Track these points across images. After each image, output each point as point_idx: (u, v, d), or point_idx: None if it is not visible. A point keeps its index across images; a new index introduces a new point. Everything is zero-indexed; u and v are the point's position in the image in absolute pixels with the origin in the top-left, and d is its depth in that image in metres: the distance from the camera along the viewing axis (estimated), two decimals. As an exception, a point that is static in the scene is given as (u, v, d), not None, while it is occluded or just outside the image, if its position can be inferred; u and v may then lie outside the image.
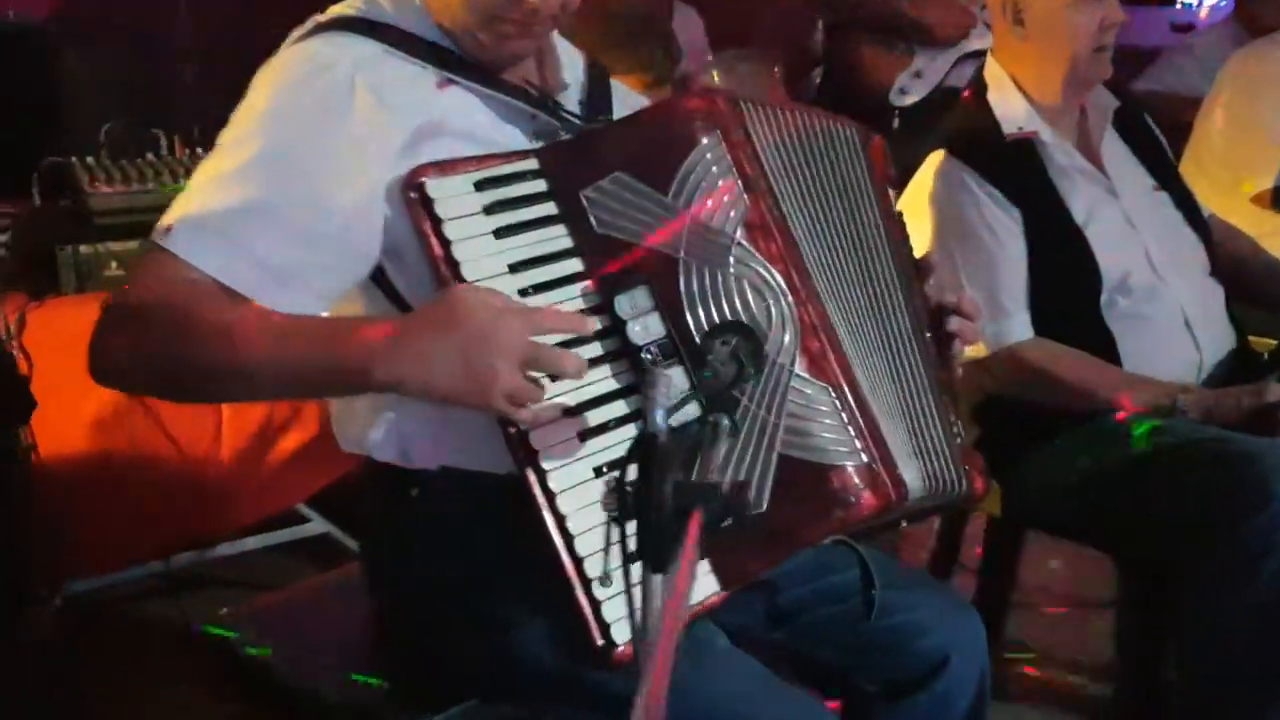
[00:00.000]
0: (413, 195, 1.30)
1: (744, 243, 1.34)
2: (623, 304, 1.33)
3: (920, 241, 1.88)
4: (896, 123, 3.34)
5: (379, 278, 1.37)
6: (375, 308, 1.38)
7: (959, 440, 1.55)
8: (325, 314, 1.37)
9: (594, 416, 1.32)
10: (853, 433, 1.33)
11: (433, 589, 1.39)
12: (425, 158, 1.31)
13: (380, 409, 1.40)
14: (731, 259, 1.33)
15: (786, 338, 1.32)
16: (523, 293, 1.32)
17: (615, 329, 1.33)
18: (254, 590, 2.71)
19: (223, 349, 1.22)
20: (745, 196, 1.35)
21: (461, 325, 1.20)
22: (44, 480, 2.50)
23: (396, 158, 1.32)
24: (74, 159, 2.77)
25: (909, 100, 3.38)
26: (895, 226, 1.60)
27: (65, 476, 2.56)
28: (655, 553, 0.86)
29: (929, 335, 1.57)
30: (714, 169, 1.34)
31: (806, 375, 1.33)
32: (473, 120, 1.39)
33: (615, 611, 1.28)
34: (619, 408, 1.34)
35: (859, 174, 1.56)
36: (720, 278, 1.33)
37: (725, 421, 1.11)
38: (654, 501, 0.88)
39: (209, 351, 1.23)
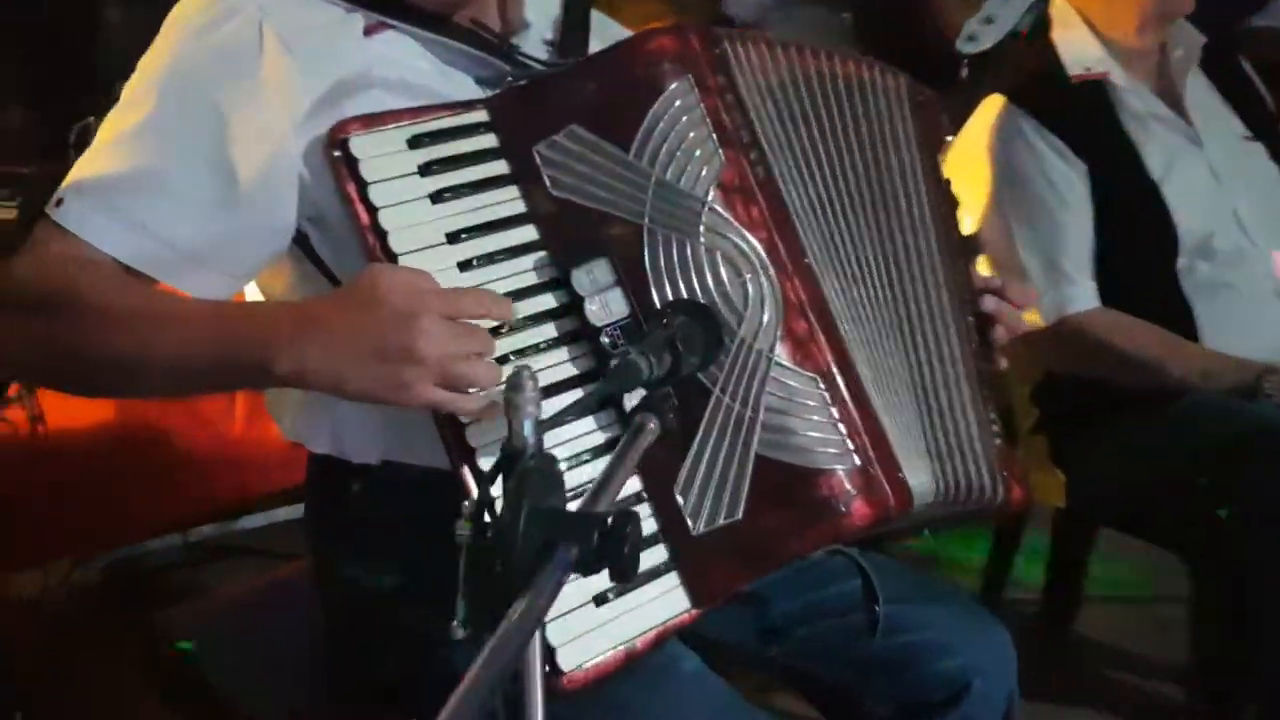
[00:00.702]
0: (336, 154, 1.13)
1: (717, 207, 1.14)
2: (580, 279, 1.15)
3: (970, 200, 1.67)
4: (965, 73, 3.07)
5: (304, 245, 1.21)
6: (305, 282, 1.22)
7: (996, 440, 1.34)
8: (243, 292, 1.21)
9: (548, 408, 1.15)
10: (844, 430, 1.13)
11: (367, 597, 1.24)
12: (349, 114, 1.14)
13: (309, 393, 1.24)
14: (702, 226, 1.14)
15: (765, 317, 1.13)
16: (464, 265, 1.14)
17: (574, 307, 1.15)
18: (278, 560, 2.61)
19: (102, 337, 1.08)
20: (721, 153, 1.15)
21: (374, 309, 1.03)
22: (55, 452, 2.42)
23: (307, 117, 1.15)
24: (90, 119, 2.66)
25: (979, 48, 3.10)
26: (943, 196, 1.39)
27: (80, 448, 2.48)
28: (499, 597, 0.68)
29: (972, 320, 1.36)
30: (683, 120, 1.15)
31: (789, 363, 1.13)
32: (409, 69, 1.21)
33: (563, 634, 1.11)
34: (576, 397, 1.16)
35: (897, 133, 1.34)
36: (690, 248, 1.14)
37: (652, 424, 0.92)
38: (504, 539, 0.70)
39: (91, 340, 1.08)
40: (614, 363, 0.93)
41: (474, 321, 1.07)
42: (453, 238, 1.15)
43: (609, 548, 0.73)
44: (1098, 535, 2.20)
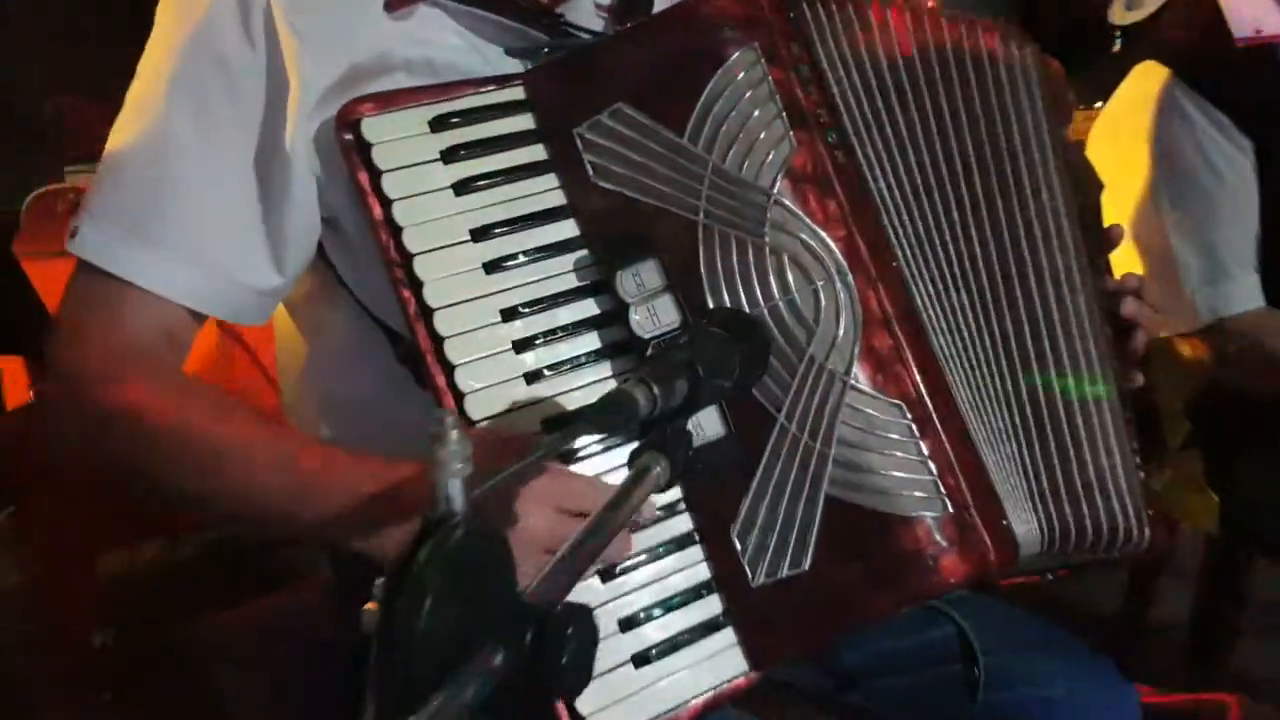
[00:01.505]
0: (346, 137, 0.98)
1: (785, 201, 0.96)
2: (625, 283, 0.98)
3: (1113, 182, 1.44)
4: (1118, 45, 2.77)
5: (319, 251, 1.07)
6: (324, 290, 1.09)
7: (1140, 474, 1.12)
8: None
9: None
10: (934, 469, 0.94)
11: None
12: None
13: (333, 422, 1.12)
14: (767, 223, 0.96)
15: (841, 331, 0.95)
16: (491, 266, 0.99)
17: (619, 315, 0.99)
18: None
19: (162, 471, 0.97)
20: (791, 136, 0.97)
21: None
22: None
23: (318, 108, 1.01)
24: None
25: (1135, 17, 2.79)
26: (1079, 183, 1.18)
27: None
28: (405, 704, 0.51)
29: (1109, 330, 1.14)
30: (747, 96, 0.97)
31: (868, 388, 0.94)
32: (437, 47, 1.05)
33: (595, 700, 0.95)
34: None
35: (1021, 110, 1.13)
36: (751, 249, 0.96)
37: (658, 469, 0.74)
38: (407, 634, 0.54)
39: (151, 470, 0.98)
40: (599, 399, 0.76)
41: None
42: (479, 234, 0.99)
43: (545, 652, 0.56)
44: (1254, 565, 1.94)
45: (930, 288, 1.00)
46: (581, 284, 1.01)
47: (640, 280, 0.98)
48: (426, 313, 0.96)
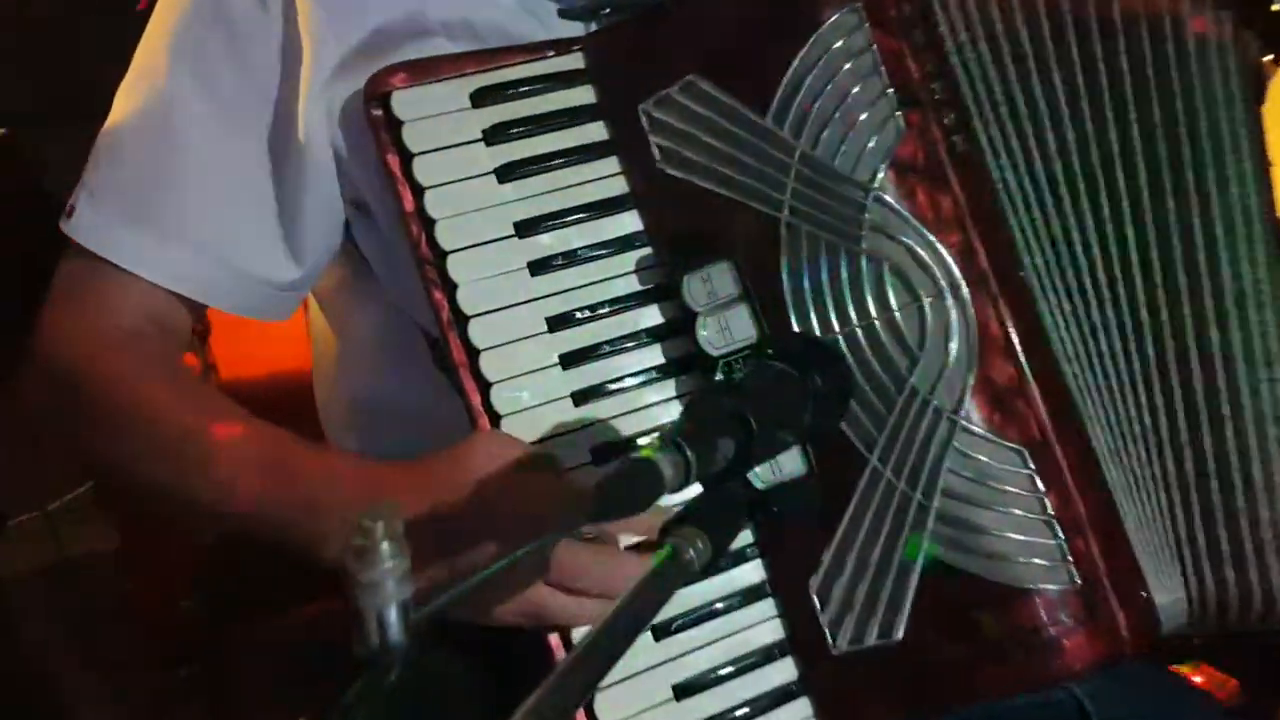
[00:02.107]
0: (375, 113, 0.84)
1: (888, 197, 0.79)
2: (693, 289, 0.83)
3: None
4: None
5: (347, 231, 0.94)
6: (356, 280, 0.96)
7: None
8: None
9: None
10: (1060, 531, 0.77)
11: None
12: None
13: (349, 430, 0.99)
14: (865, 224, 0.79)
15: (951, 359, 0.78)
16: (538, 266, 0.84)
17: (686, 326, 0.84)
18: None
19: (135, 461, 0.85)
20: (899, 117, 0.80)
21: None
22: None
23: (336, 76, 0.87)
24: None
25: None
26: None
27: (255, 398, 2.36)
28: None
29: None
30: (846, 68, 0.80)
31: (982, 429, 0.77)
32: (482, 5, 0.91)
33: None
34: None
35: (1212, 86, 0.91)
36: (844, 255, 0.79)
37: (692, 552, 0.58)
38: None
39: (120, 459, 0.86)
40: (611, 468, 0.60)
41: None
42: (524, 228, 0.85)
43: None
44: None
45: (1065, 304, 0.83)
46: (643, 288, 0.86)
47: (711, 286, 0.83)
48: (461, 320, 0.83)
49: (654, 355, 0.85)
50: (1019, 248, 0.81)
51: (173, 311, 0.88)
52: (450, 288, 0.83)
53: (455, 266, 0.83)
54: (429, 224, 0.83)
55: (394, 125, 0.84)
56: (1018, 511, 0.77)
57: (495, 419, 0.82)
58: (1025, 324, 0.79)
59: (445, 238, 0.83)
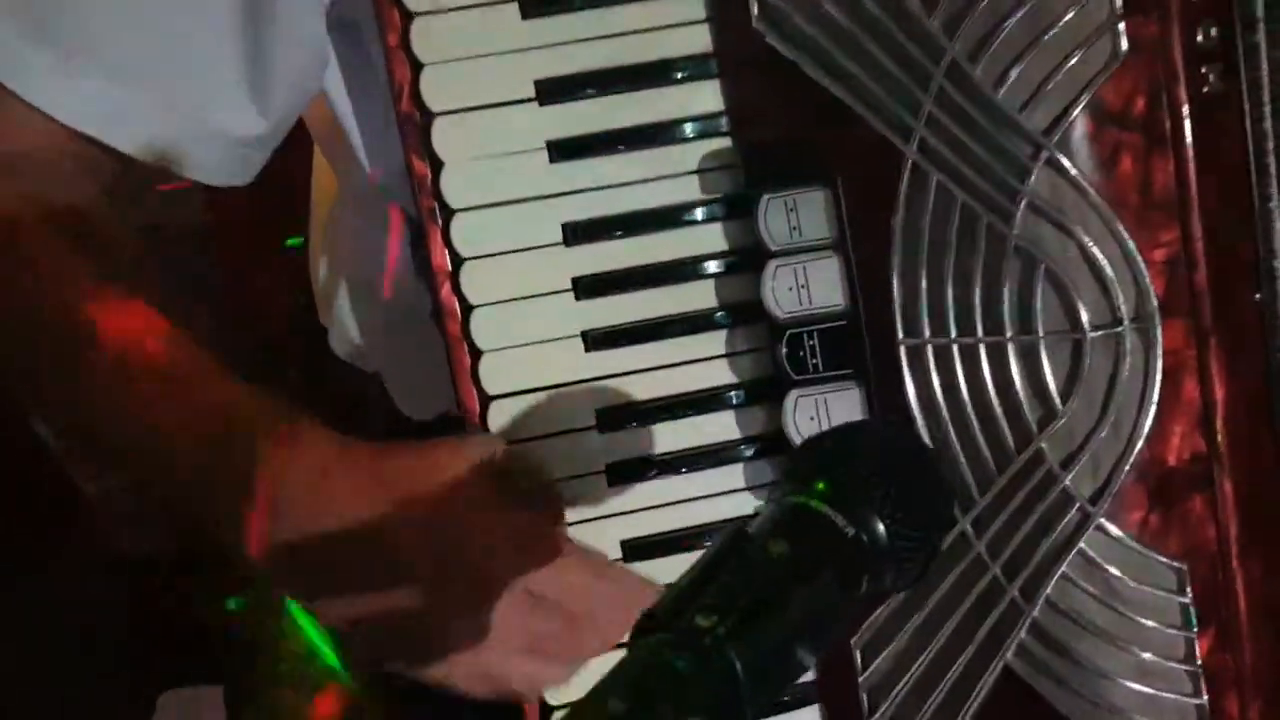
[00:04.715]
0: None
1: (1070, 160, 0.51)
2: (772, 216, 0.58)
3: None
4: None
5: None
6: None
7: None
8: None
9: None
10: (1204, 690, 0.54)
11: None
12: None
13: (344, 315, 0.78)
14: (1025, 195, 0.51)
15: (1112, 415, 0.52)
16: (560, 151, 0.60)
17: (750, 264, 0.59)
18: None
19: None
20: (1120, 30, 0.50)
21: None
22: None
23: None
24: None
25: None
26: None
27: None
28: None
29: None
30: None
31: (1129, 534, 0.53)
32: None
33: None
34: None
35: None
36: (985, 234, 0.52)
37: None
38: None
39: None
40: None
41: None
42: (550, 91, 0.60)
43: None
44: None
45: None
46: (706, 199, 0.61)
47: (797, 220, 0.58)
48: (445, 211, 0.60)
49: (701, 295, 0.61)
50: (1262, 265, 0.52)
51: (87, 155, 0.66)
52: (435, 164, 0.60)
53: (445, 135, 0.60)
54: (418, 67, 0.59)
55: None
56: (1148, 655, 0.53)
57: (476, 355, 0.61)
58: (1242, 384, 0.52)
59: (434, 92, 0.59)
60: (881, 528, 0.40)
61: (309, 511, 0.54)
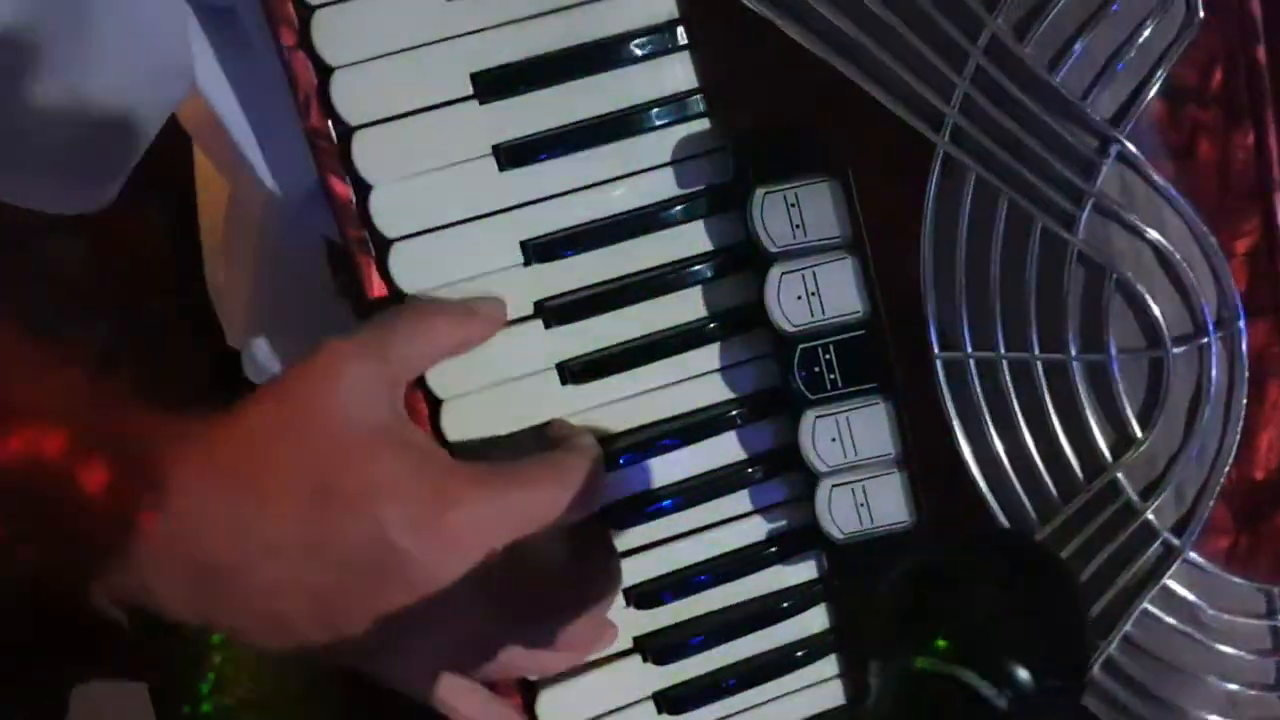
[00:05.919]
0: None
1: (1141, 151, 0.43)
2: (770, 212, 0.49)
3: None
4: None
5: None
6: None
7: None
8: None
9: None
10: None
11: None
12: None
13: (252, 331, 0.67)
14: (1093, 194, 0.43)
15: (1197, 437, 0.45)
16: (510, 155, 0.50)
17: (744, 266, 0.51)
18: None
19: None
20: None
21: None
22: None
23: None
24: None
25: None
26: None
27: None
28: None
29: None
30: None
31: (1215, 563, 0.47)
32: None
33: None
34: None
35: None
36: (1038, 237, 0.44)
37: None
38: None
39: None
40: None
41: None
42: (490, 85, 0.49)
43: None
44: None
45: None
46: (685, 192, 0.51)
47: (800, 215, 0.49)
48: (380, 245, 0.50)
49: (689, 305, 0.53)
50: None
51: None
52: (361, 186, 0.49)
53: (368, 151, 0.49)
54: (326, 71, 0.48)
55: None
56: (1234, 686, 0.48)
57: (435, 405, 0.52)
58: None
59: (349, 100, 0.48)
60: (1027, 675, 0.32)
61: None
